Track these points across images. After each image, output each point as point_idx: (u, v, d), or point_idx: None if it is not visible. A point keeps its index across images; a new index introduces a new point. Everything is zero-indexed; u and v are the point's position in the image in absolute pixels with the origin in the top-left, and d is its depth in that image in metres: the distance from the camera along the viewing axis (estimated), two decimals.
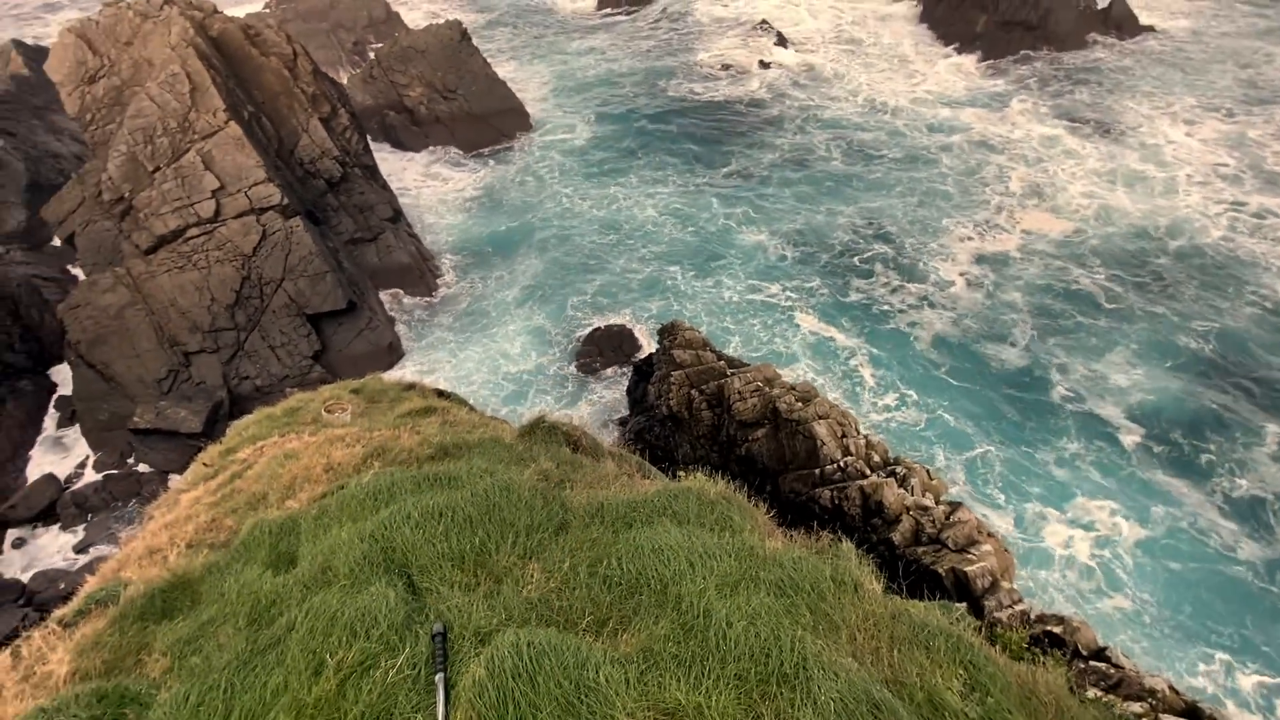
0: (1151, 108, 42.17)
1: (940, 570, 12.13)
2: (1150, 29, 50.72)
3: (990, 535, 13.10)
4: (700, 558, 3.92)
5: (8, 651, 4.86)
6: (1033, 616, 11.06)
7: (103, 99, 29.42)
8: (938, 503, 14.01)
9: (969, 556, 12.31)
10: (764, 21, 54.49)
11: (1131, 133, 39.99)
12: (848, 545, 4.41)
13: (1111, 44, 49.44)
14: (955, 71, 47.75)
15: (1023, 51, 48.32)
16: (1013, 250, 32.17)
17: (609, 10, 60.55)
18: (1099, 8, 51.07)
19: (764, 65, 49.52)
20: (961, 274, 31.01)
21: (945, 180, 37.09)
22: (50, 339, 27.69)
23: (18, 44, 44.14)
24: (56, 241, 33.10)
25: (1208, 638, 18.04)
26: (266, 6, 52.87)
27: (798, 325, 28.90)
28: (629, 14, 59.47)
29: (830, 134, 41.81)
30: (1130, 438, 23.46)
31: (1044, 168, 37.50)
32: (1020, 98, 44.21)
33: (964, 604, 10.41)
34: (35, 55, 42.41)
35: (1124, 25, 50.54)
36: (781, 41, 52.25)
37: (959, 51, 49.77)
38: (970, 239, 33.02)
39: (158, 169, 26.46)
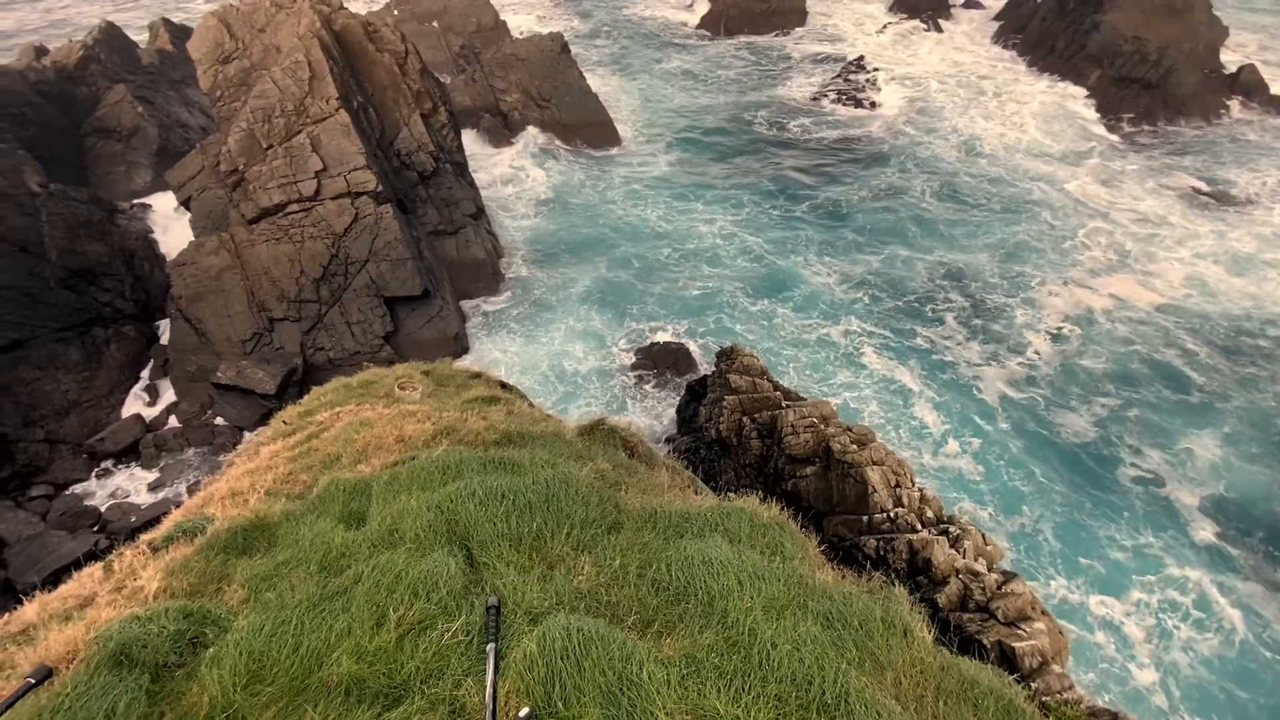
0: (1272, 186, 39.42)
1: (986, 641, 11.54)
2: None
3: (1045, 613, 12.36)
4: (750, 577, 3.93)
5: (100, 565, 5.32)
6: (1084, 707, 10.35)
7: (232, 78, 31.97)
8: (990, 570, 13.36)
9: (1019, 632, 11.65)
10: (861, 58, 54.15)
11: (1245, 210, 37.47)
12: (900, 590, 4.32)
13: (1237, 113, 46.57)
14: (1062, 124, 46.03)
15: (1137, 111, 46.15)
16: (1099, 317, 30.56)
17: (705, 32, 61.39)
18: (1227, 73, 48.29)
19: (858, 103, 49.15)
20: (1041, 334, 29.68)
21: (1037, 236, 35.68)
22: (157, 292, 30.04)
23: (166, 22, 48.53)
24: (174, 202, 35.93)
25: None
26: (387, 5, 56.30)
27: (859, 364, 28.27)
28: (713, 38, 60.03)
29: (923, 176, 40.96)
30: (1204, 532, 21.73)
31: (1144, 235, 35.58)
32: (1128, 159, 42.19)
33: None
34: (179, 34, 46.50)
35: (1253, 94, 47.58)
36: (878, 79, 51.76)
37: (1069, 104, 48.00)
38: (1055, 298, 31.59)
39: (270, 146, 28.47)
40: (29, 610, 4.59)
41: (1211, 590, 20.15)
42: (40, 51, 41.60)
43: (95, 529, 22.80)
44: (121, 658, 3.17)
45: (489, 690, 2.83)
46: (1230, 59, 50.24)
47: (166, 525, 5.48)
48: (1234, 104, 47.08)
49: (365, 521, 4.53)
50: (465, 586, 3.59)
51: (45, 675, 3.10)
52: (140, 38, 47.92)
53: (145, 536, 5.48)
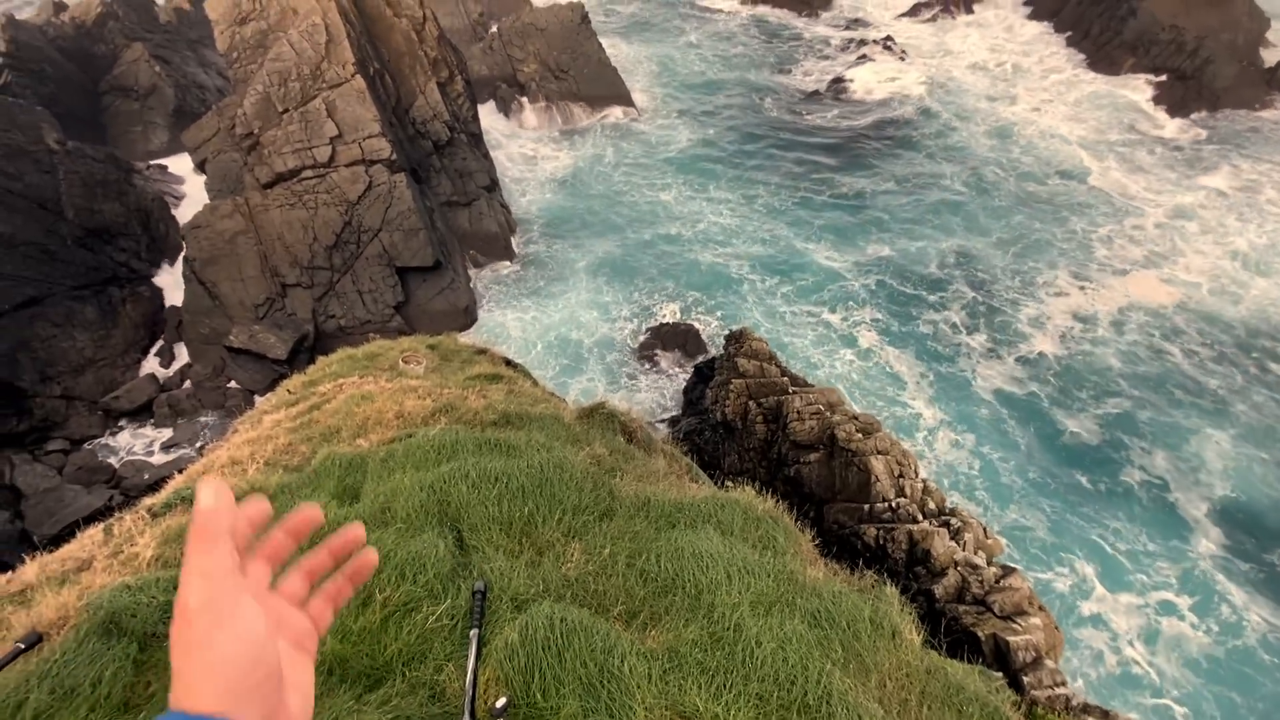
0: None
1: (981, 634, 11.56)
2: None
3: (1042, 609, 12.36)
4: (739, 571, 3.91)
5: (100, 527, 5.40)
6: (1075, 703, 10.38)
7: (249, 40, 31.67)
8: (989, 563, 13.36)
9: (1014, 626, 11.66)
10: (889, 38, 52.77)
11: (1270, 210, 36.46)
12: (892, 590, 4.29)
13: (1275, 109, 45.02)
14: (1097, 113, 44.68)
15: (1171, 103, 44.72)
16: (1114, 315, 30.01)
17: (731, 4, 59.80)
18: (1265, 66, 46.60)
19: (884, 85, 47.99)
20: (1050, 331, 29.23)
21: (1057, 229, 34.97)
22: (172, 253, 30.21)
23: None
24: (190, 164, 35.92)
25: None
26: None
27: (860, 349, 28.10)
28: (737, 12, 58.60)
29: (949, 164, 40.09)
30: (1207, 538, 21.52)
31: (1168, 233, 34.75)
32: (1158, 152, 41.06)
33: (1002, 675, 9.90)
34: None
35: None
36: (906, 61, 50.45)
37: (1105, 93, 46.53)
38: (1068, 295, 31.04)
39: (286, 111, 28.30)
40: (29, 570, 4.67)
41: (1213, 594, 20.05)
42: (59, 7, 41.38)
43: (110, 485, 23.28)
44: (110, 626, 3.21)
45: (469, 677, 2.83)
46: (1269, 53, 48.43)
47: (167, 491, 5.54)
48: (1273, 99, 45.50)
49: (359, 498, 4.55)
50: (453, 569, 3.59)
51: (35, 640, 3.15)
52: None
53: (146, 501, 5.55)
